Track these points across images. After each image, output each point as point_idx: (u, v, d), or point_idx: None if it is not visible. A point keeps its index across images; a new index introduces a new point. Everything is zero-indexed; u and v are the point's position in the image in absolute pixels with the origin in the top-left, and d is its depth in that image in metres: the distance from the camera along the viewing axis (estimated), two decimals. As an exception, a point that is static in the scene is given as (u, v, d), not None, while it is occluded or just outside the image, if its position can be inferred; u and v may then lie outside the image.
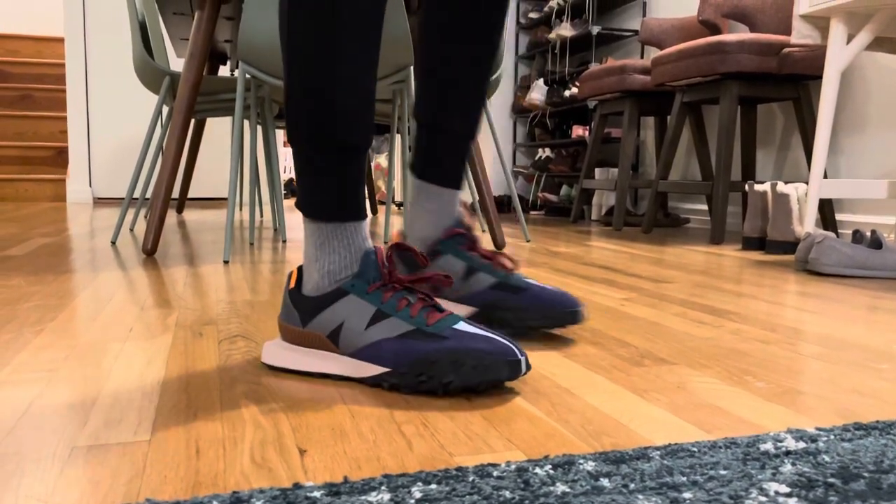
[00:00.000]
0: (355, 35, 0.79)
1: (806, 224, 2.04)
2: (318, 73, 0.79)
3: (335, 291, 0.79)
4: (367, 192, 4.05)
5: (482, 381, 0.71)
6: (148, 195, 5.04)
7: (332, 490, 0.49)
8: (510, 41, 4.78)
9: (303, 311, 0.80)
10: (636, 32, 3.93)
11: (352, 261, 0.81)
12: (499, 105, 4.83)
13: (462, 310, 1.00)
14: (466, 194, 4.38)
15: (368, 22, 0.80)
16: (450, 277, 0.83)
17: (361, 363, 0.77)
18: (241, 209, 3.62)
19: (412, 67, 2.01)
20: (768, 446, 0.58)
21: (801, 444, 0.59)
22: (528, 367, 0.74)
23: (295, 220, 3.35)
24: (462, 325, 0.76)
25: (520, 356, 0.73)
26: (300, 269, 0.85)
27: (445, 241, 1.00)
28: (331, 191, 0.82)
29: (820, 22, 2.07)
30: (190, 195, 5.13)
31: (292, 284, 0.84)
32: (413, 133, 1.02)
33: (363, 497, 0.48)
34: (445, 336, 0.74)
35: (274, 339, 0.92)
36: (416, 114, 1.03)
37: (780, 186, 2.16)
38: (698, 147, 3.11)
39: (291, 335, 0.82)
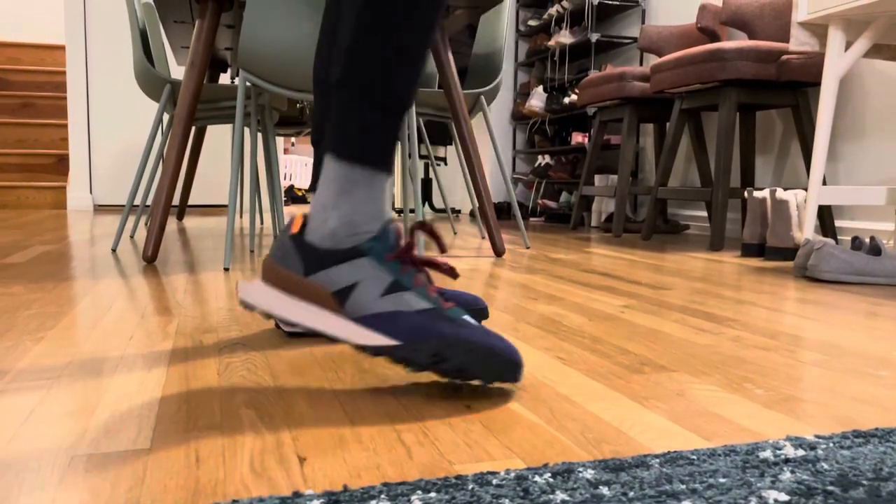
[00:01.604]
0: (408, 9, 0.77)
1: (805, 230, 2.04)
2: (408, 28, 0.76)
3: (351, 249, 0.74)
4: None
5: (491, 376, 0.73)
6: (148, 202, 5.04)
7: (332, 498, 0.49)
8: (510, 48, 4.79)
9: (308, 261, 0.75)
10: (635, 40, 3.95)
11: (374, 216, 0.76)
12: (498, 112, 4.84)
13: None
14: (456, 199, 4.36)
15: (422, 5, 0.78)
16: (454, 269, 0.81)
17: (366, 330, 0.73)
18: (241, 216, 3.63)
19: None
20: (767, 454, 0.58)
21: (801, 452, 0.59)
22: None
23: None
24: (469, 319, 0.77)
25: (521, 361, 0.75)
26: (305, 216, 0.79)
27: None
28: (377, 136, 0.77)
29: (818, 29, 2.08)
30: (190, 202, 5.13)
31: (295, 230, 0.77)
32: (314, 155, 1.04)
33: (363, 505, 0.48)
34: (462, 324, 0.75)
35: (254, 284, 0.79)
36: (316, 139, 1.00)
37: (780, 193, 2.17)
38: (697, 154, 3.11)
39: (287, 283, 0.76)
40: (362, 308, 0.74)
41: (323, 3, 1.84)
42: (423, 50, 0.78)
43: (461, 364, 0.73)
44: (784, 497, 0.50)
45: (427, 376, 0.82)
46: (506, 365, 0.74)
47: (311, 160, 5.60)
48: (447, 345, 0.73)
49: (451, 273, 0.80)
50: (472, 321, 0.77)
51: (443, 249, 0.80)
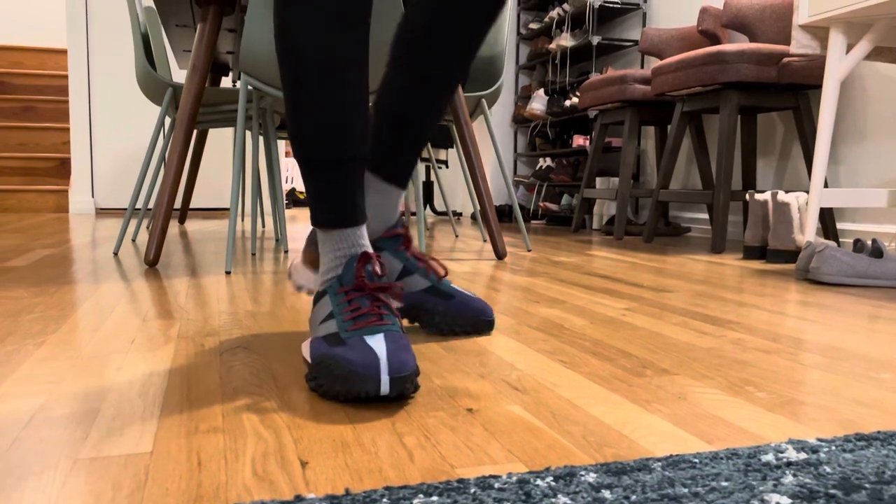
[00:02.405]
0: (309, 66, 0.85)
1: (807, 233, 2.04)
2: (286, 95, 0.87)
3: (321, 292, 0.86)
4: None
5: (341, 391, 0.71)
6: (150, 206, 5.05)
7: (334, 502, 0.49)
8: (511, 51, 4.80)
9: (314, 298, 0.89)
10: (636, 42, 3.95)
11: (338, 264, 0.87)
12: (499, 115, 4.84)
13: None
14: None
15: (328, 54, 0.85)
16: (399, 293, 0.86)
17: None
18: (242, 219, 3.63)
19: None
20: (770, 457, 0.58)
21: (803, 455, 0.59)
22: (398, 390, 0.71)
23: (296, 231, 3.35)
24: (374, 337, 0.76)
25: (383, 375, 0.70)
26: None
27: (386, 239, 1.04)
28: (318, 200, 0.88)
29: (819, 32, 2.08)
30: (192, 205, 5.14)
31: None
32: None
33: (365, 509, 0.48)
34: (344, 343, 0.76)
35: (294, 344, 1.02)
36: (381, 105, 1.02)
37: (781, 195, 2.17)
38: (699, 156, 3.11)
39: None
40: (313, 336, 0.84)
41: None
42: (312, 99, 0.86)
43: (322, 382, 0.74)
44: (786, 500, 0.50)
45: (427, 378, 0.82)
46: (352, 378, 0.70)
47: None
48: (315, 364, 0.76)
49: (399, 298, 0.87)
50: (373, 340, 0.75)
51: (382, 273, 0.88)
